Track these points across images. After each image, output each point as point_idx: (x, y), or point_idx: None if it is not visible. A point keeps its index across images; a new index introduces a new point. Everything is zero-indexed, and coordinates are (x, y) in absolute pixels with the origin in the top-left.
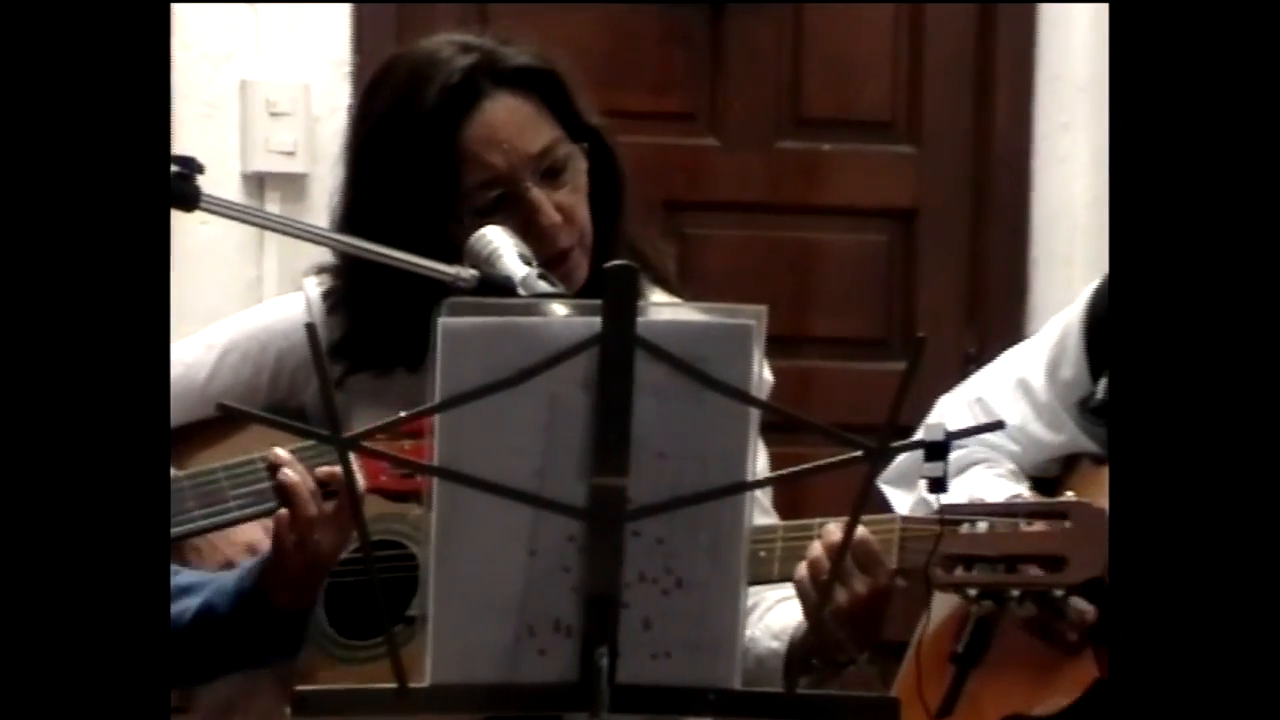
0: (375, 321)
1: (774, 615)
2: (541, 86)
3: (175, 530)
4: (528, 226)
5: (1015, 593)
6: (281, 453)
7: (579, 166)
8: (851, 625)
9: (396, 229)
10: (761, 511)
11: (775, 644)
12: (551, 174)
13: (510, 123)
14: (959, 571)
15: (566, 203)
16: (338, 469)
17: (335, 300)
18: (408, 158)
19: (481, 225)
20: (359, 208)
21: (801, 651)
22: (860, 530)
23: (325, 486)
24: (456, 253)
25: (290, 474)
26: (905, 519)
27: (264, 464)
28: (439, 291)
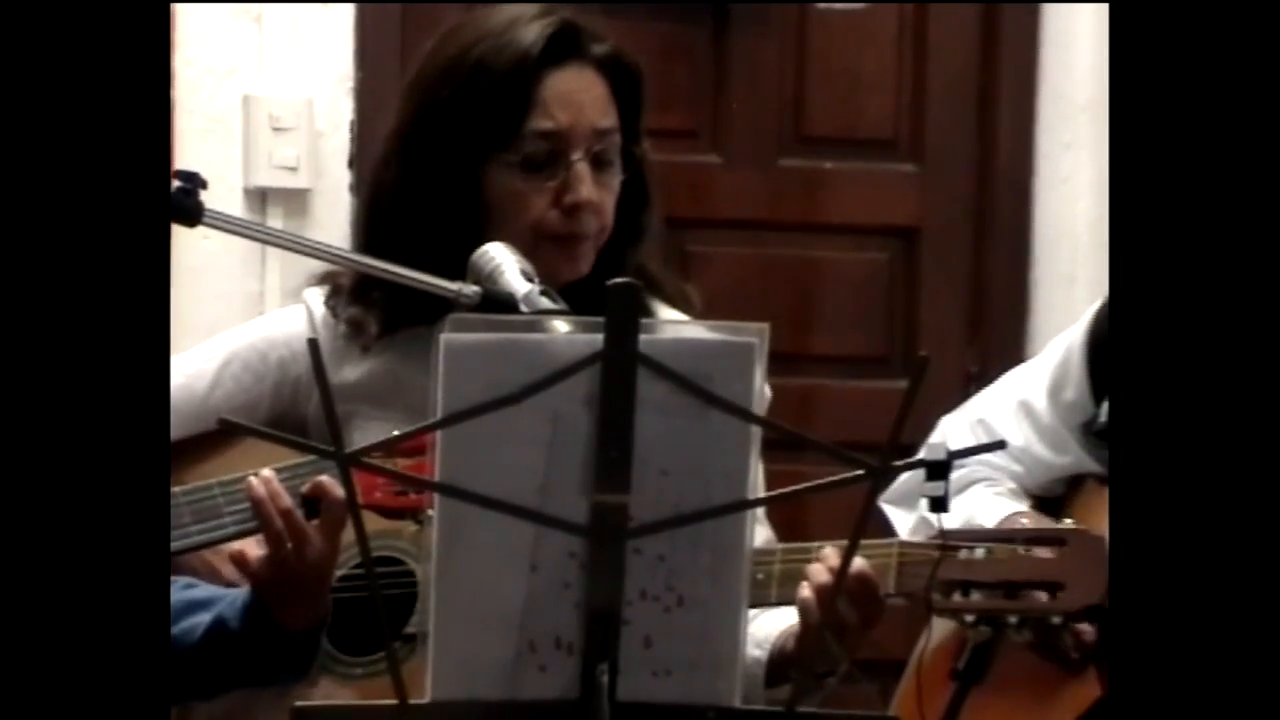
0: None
1: (757, 624)
2: (620, 82)
3: (171, 545)
4: (559, 197)
5: (1013, 619)
6: (264, 470)
7: (618, 169)
8: (841, 640)
9: (452, 155)
10: (757, 523)
11: (758, 652)
12: (599, 161)
13: (588, 92)
14: (957, 597)
15: (600, 194)
16: (325, 484)
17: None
18: (490, 78)
19: (519, 179)
20: (422, 123)
21: (782, 659)
22: (862, 563)
23: (312, 501)
24: (480, 213)
25: (256, 488)
26: (903, 543)
27: None
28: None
